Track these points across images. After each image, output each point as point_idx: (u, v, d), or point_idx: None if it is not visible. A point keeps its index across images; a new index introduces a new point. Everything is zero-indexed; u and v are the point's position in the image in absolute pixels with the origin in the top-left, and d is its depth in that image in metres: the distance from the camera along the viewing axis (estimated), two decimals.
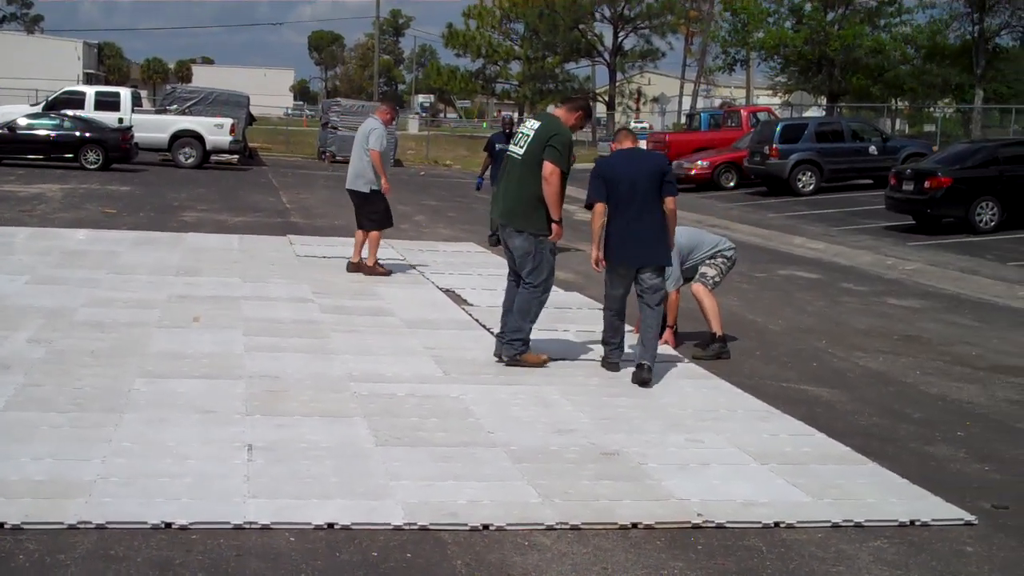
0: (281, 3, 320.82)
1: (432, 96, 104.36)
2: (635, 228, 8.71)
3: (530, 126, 8.96)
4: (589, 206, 8.97)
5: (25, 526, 5.12)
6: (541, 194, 8.69)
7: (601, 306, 9.66)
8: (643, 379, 8.62)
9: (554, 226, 8.82)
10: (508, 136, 17.11)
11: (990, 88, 43.98)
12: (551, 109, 9.68)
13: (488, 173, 17.61)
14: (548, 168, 8.61)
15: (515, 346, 9.01)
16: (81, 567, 4.79)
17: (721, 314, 10.26)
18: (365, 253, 13.67)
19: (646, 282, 8.82)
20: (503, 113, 32.91)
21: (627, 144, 9.18)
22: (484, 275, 13.92)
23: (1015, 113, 36.56)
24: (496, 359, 9.14)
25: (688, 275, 10.32)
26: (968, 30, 42.20)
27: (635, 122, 69.58)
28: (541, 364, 9.04)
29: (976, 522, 5.98)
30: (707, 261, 10.31)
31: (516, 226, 8.89)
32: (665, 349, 9.82)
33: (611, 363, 9.12)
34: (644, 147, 13.65)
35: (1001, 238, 20.34)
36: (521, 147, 8.85)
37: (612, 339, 9.16)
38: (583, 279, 14.06)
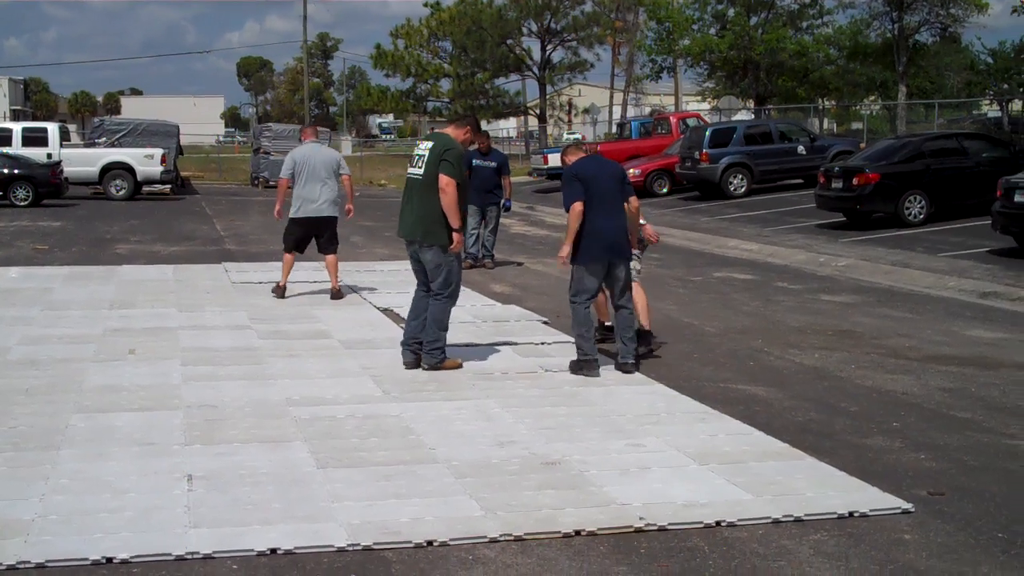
0: (208, 31, 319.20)
1: (390, 116, 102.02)
2: (609, 225, 9.26)
3: (424, 147, 9.51)
4: (567, 206, 9.32)
5: None
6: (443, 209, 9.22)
7: (538, 318, 9.77)
8: (630, 370, 9.40)
9: (454, 235, 9.31)
10: (484, 153, 17.02)
11: (913, 84, 44.70)
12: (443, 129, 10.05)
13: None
14: (444, 180, 9.18)
15: (435, 355, 9.49)
16: None
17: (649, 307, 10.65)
18: (287, 277, 13.78)
19: (618, 277, 9.43)
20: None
21: (580, 155, 9.68)
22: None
23: (938, 107, 37.17)
24: (406, 367, 9.55)
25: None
26: (888, 28, 42.77)
27: (568, 133, 69.84)
28: (457, 367, 9.55)
29: (913, 510, 6.08)
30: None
31: (427, 241, 9.39)
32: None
33: (594, 360, 9.43)
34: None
35: (930, 230, 20.65)
36: (420, 168, 9.39)
37: (587, 333, 9.44)
38: (520, 291, 14.12)
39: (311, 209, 13.40)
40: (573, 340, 9.87)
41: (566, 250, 9.38)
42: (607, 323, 10.74)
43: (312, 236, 13.69)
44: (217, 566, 5.19)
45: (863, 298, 14.59)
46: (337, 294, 13.70)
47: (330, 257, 13.78)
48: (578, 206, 9.20)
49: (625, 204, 9.51)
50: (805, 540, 5.64)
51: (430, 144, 9.48)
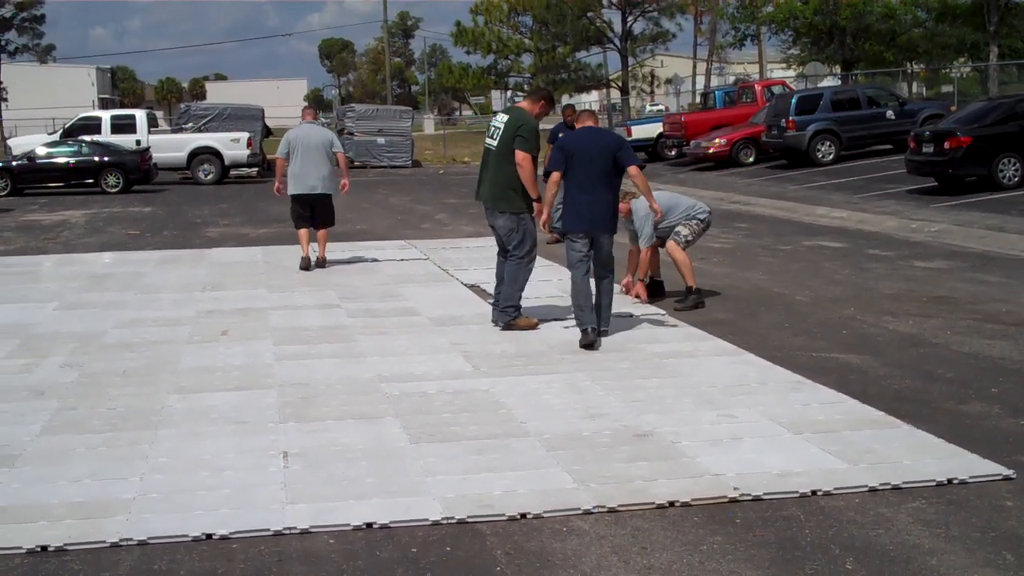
0: (289, 14, 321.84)
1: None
2: (591, 199, 9.48)
3: (500, 119, 10.13)
4: (547, 175, 9.70)
5: (68, 547, 5.17)
6: (516, 178, 9.82)
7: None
8: (590, 343, 9.31)
9: (535, 204, 9.90)
10: (570, 127, 17.00)
11: (1005, 44, 43.59)
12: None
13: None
14: (520, 156, 9.77)
15: (509, 313, 10.12)
16: None
17: (692, 267, 11.38)
18: (307, 249, 14.44)
19: (601, 246, 9.63)
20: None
21: (589, 123, 9.94)
22: None
23: None
24: (493, 325, 10.23)
25: (663, 235, 11.35)
26: None
27: (650, 105, 69.40)
28: (532, 327, 10.11)
29: (1014, 476, 5.96)
30: (683, 222, 11.33)
31: (499, 208, 10.02)
32: (644, 307, 11.15)
33: (588, 332, 9.40)
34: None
35: None
36: (495, 139, 10.01)
37: (585, 305, 9.51)
38: None
39: (304, 187, 14.19)
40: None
41: (545, 216, 9.78)
42: (657, 278, 11.79)
43: (310, 210, 14.36)
44: (314, 540, 5.24)
45: (957, 263, 14.32)
46: (322, 264, 14.45)
47: (321, 232, 14.55)
48: (555, 176, 9.58)
49: (626, 179, 9.78)
50: (903, 508, 5.56)
51: (506, 118, 10.06)
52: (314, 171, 14.12)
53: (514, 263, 10.07)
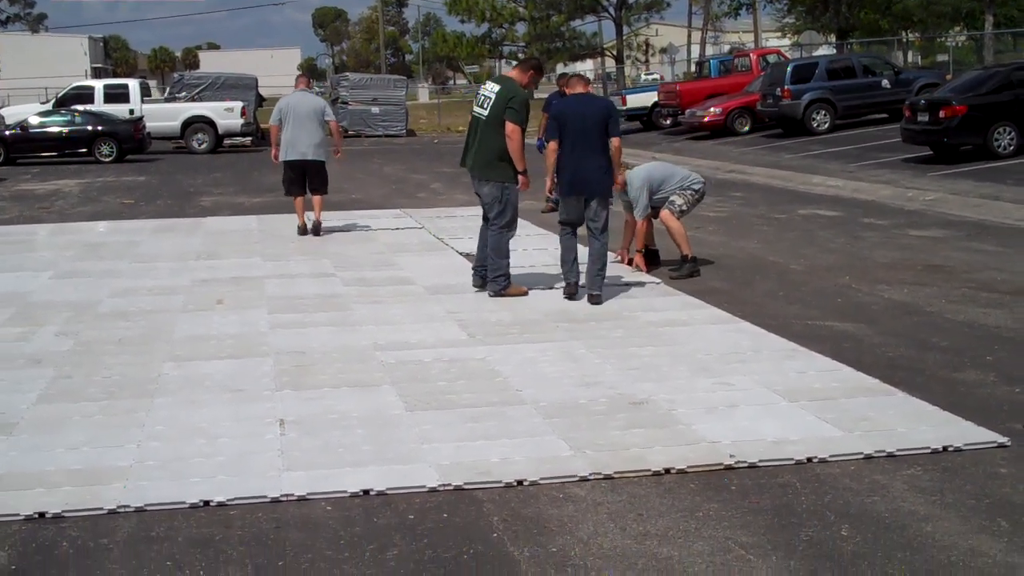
0: None
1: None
2: (584, 163, 9.74)
3: (490, 89, 10.13)
4: (545, 143, 10.18)
5: (66, 514, 5.19)
6: (504, 149, 9.88)
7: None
8: (596, 301, 9.80)
9: (520, 176, 10.01)
10: (564, 96, 16.94)
11: (1001, 13, 43.47)
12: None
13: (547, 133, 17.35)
14: (510, 127, 9.81)
15: (499, 282, 10.20)
16: (124, 550, 4.85)
17: (687, 236, 11.42)
18: (303, 217, 14.81)
19: (593, 210, 9.85)
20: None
21: (579, 89, 10.21)
22: None
23: None
24: (475, 289, 10.45)
25: (657, 205, 11.42)
26: None
27: (645, 74, 69.18)
28: (522, 294, 10.21)
29: (1009, 443, 5.98)
30: (677, 191, 11.39)
31: (485, 176, 10.10)
32: (639, 275, 11.25)
33: (570, 284, 10.04)
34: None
35: (1021, 162, 20.16)
36: (484, 108, 10.02)
37: (568, 257, 10.06)
38: None
39: (296, 152, 14.28)
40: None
41: (549, 183, 10.28)
42: (652, 247, 11.74)
43: (303, 176, 14.51)
44: (312, 507, 5.26)
45: (952, 232, 14.33)
46: (317, 228, 14.62)
47: (316, 198, 14.71)
48: (552, 144, 9.85)
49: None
50: (898, 475, 5.58)
51: (497, 88, 10.10)
52: (306, 137, 14.21)
53: (495, 232, 10.15)
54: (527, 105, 9.99)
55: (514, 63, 69.55)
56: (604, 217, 9.92)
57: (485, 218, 10.35)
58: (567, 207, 9.97)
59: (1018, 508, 5.14)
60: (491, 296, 10.18)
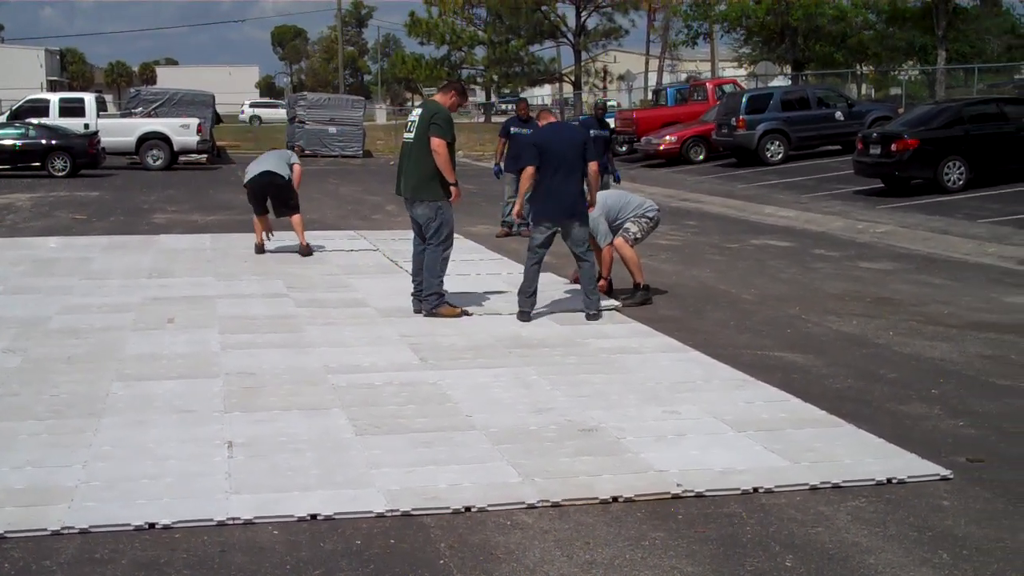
0: (243, 0, 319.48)
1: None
2: (560, 189, 10.06)
3: (416, 114, 10.50)
4: (520, 169, 10.33)
5: (8, 535, 5.13)
6: (435, 168, 10.16)
7: (575, 286, 10.22)
8: (596, 318, 10.27)
9: (452, 189, 10.29)
10: (523, 121, 17.19)
11: (953, 48, 44.12)
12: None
13: (504, 159, 17.54)
14: (435, 142, 10.11)
15: (431, 300, 10.41)
16: (67, 572, 4.81)
17: (641, 264, 11.59)
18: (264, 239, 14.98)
19: (573, 235, 10.23)
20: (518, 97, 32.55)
21: (551, 120, 10.86)
22: (456, 260, 13.92)
23: (978, 72, 36.79)
24: (416, 313, 10.52)
25: (612, 232, 11.53)
26: None
27: (602, 100, 69.42)
28: (456, 315, 10.37)
29: (951, 476, 6.05)
30: (632, 219, 11.52)
31: (419, 197, 10.33)
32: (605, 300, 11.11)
33: (523, 312, 10.27)
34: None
35: (970, 196, 20.47)
36: (412, 132, 10.36)
37: (528, 289, 10.29)
38: (555, 259, 14.11)
39: (255, 171, 14.55)
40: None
41: (518, 208, 10.73)
42: (606, 276, 11.68)
43: (264, 198, 14.71)
44: (258, 531, 5.24)
45: (902, 265, 14.49)
46: (308, 251, 14.72)
47: (294, 218, 14.77)
48: (529, 170, 10.13)
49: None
50: (843, 506, 5.64)
51: (420, 111, 10.48)
52: (271, 156, 14.74)
53: (431, 250, 10.36)
54: (450, 121, 10.28)
55: (474, 86, 69.43)
56: (585, 238, 10.30)
57: (420, 240, 10.53)
58: (539, 233, 10.23)
59: (959, 540, 5.21)
60: (425, 315, 10.36)
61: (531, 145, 10.30)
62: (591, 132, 16.86)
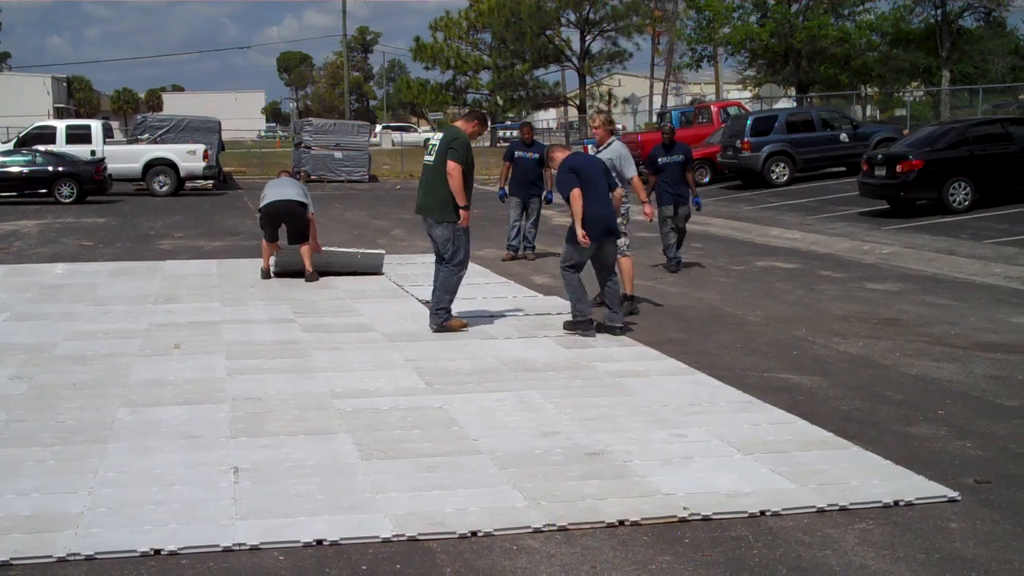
0: (248, 27, 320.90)
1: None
2: (602, 211, 10.49)
3: (437, 138, 10.89)
4: (567, 195, 10.43)
5: (14, 562, 5.13)
6: (451, 190, 10.50)
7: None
8: (623, 332, 10.70)
9: (462, 212, 10.58)
10: (528, 145, 17.23)
11: (957, 69, 44.28)
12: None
13: (508, 182, 17.60)
14: (450, 165, 10.47)
15: (440, 315, 10.84)
16: None
17: (633, 275, 12.15)
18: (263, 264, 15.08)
19: (608, 251, 10.71)
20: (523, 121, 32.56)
21: (567, 152, 11.12)
22: (463, 284, 13.92)
23: (983, 93, 36.79)
24: (432, 329, 10.84)
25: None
26: (931, 13, 42.46)
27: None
28: (462, 327, 10.86)
29: (959, 498, 6.04)
30: (620, 219, 11.49)
31: (436, 218, 10.69)
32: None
33: (589, 321, 10.69)
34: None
35: (975, 217, 20.47)
36: (432, 155, 10.72)
37: (583, 296, 10.74)
38: (561, 282, 14.10)
39: (272, 198, 14.82)
40: (601, 320, 10.77)
41: (581, 231, 10.39)
42: (629, 292, 12.04)
43: (279, 225, 14.84)
44: (264, 557, 5.23)
45: (908, 286, 14.48)
46: (313, 276, 14.60)
47: (304, 248, 14.73)
48: (576, 191, 10.36)
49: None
50: (850, 529, 5.62)
51: (440, 136, 10.86)
52: (289, 193, 14.83)
53: (447, 270, 10.77)
54: (468, 146, 10.65)
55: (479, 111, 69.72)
56: (616, 254, 11.00)
57: (439, 259, 10.87)
58: (586, 250, 10.49)
59: (968, 562, 5.19)
60: (433, 330, 10.75)
61: (569, 171, 10.54)
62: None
